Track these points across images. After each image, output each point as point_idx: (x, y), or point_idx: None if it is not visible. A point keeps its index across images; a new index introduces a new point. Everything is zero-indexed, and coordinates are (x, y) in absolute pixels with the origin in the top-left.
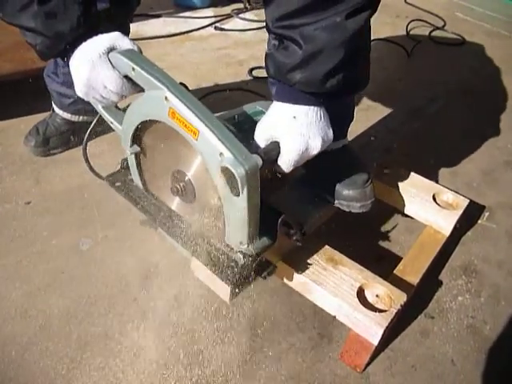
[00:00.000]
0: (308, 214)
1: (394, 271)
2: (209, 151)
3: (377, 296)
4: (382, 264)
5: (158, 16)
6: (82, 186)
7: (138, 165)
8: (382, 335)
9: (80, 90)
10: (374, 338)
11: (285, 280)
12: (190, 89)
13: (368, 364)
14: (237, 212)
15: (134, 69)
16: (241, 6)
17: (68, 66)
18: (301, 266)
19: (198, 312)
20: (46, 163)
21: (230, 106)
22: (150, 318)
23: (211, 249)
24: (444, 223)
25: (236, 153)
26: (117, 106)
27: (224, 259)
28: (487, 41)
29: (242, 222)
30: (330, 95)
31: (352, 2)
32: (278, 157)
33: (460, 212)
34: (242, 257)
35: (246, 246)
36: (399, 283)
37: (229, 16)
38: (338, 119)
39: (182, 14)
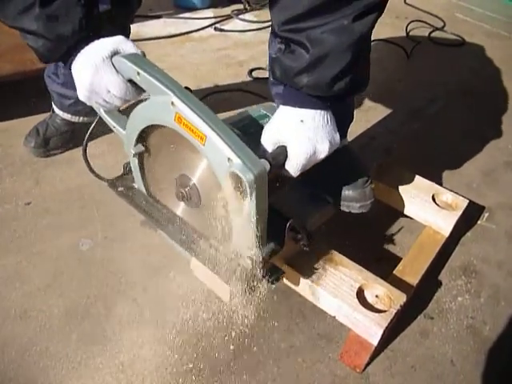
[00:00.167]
0: (308, 215)
1: (394, 272)
2: (216, 157)
3: (376, 296)
4: (382, 264)
5: (158, 17)
6: (81, 187)
7: (142, 169)
8: (382, 335)
9: (83, 95)
10: (374, 339)
11: (285, 280)
12: None
13: (368, 364)
14: (244, 217)
15: (138, 73)
16: (241, 6)
17: (70, 69)
18: (301, 267)
19: (197, 312)
20: (45, 164)
21: (230, 106)
22: (150, 319)
23: (218, 254)
24: (443, 224)
25: (244, 158)
26: (119, 110)
27: (231, 265)
28: (487, 41)
29: (249, 227)
30: (335, 98)
31: (359, 5)
32: (285, 161)
33: (459, 213)
34: (249, 262)
35: (253, 251)
36: (399, 284)
37: (229, 17)
38: (338, 119)
39: (181, 15)
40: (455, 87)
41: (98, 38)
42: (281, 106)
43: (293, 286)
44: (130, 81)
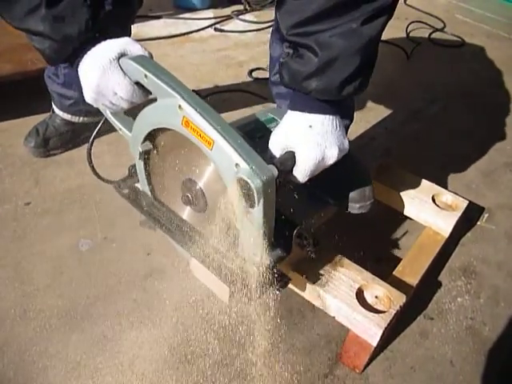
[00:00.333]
0: (307, 215)
1: (394, 272)
2: (224, 162)
3: (376, 297)
4: (382, 265)
5: (158, 17)
6: (81, 187)
7: (147, 172)
8: (381, 336)
9: (89, 97)
10: (373, 339)
11: None
12: None
13: (367, 365)
14: (252, 223)
15: (146, 76)
16: (241, 7)
17: (76, 71)
18: (300, 267)
19: (197, 312)
20: (45, 164)
21: (230, 107)
22: (150, 319)
23: (224, 260)
24: (443, 224)
25: (252, 164)
26: (125, 112)
27: (237, 271)
28: (487, 42)
29: (256, 234)
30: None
31: (368, 8)
32: (293, 167)
33: (459, 213)
34: (256, 269)
35: (259, 257)
36: (398, 284)
37: (229, 17)
38: None
39: (181, 16)
40: (455, 88)
41: (105, 39)
42: (289, 111)
43: (292, 287)
44: (137, 83)
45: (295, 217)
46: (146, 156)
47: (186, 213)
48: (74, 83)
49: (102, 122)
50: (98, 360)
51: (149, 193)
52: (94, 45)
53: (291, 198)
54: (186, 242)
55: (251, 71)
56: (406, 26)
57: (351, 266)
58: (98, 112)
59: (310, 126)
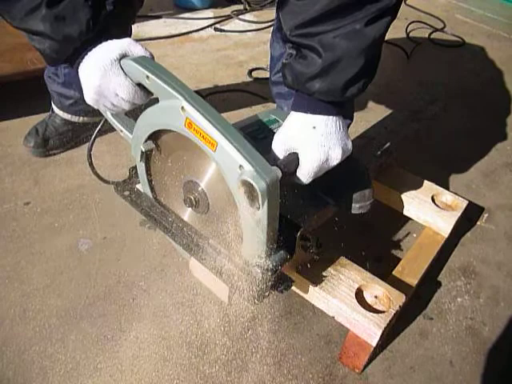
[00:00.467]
0: (307, 215)
1: (393, 272)
2: (228, 163)
3: (375, 297)
4: (381, 265)
5: (158, 17)
6: (81, 187)
7: (148, 174)
8: (381, 336)
9: (90, 98)
10: (373, 339)
11: None
12: None
13: (366, 365)
14: (255, 225)
15: (148, 77)
16: (240, 7)
17: (77, 72)
18: (300, 267)
19: (197, 312)
20: (45, 164)
21: (230, 107)
22: (149, 319)
23: (227, 262)
24: (443, 224)
25: (256, 165)
26: (126, 114)
27: (240, 273)
28: (487, 42)
29: (260, 236)
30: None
31: (371, 9)
32: (296, 168)
33: (459, 213)
34: (259, 271)
35: (263, 259)
36: (398, 284)
37: (229, 17)
38: None
39: (181, 15)
40: (455, 88)
41: (106, 39)
42: (292, 112)
43: (292, 287)
44: (139, 84)
45: (297, 217)
46: (147, 158)
47: (187, 214)
48: (74, 83)
49: (102, 122)
50: (98, 360)
51: (150, 194)
52: (94, 45)
53: (291, 198)
54: (187, 243)
55: (251, 71)
56: (405, 25)
57: (351, 266)
58: (97, 112)
59: (314, 127)
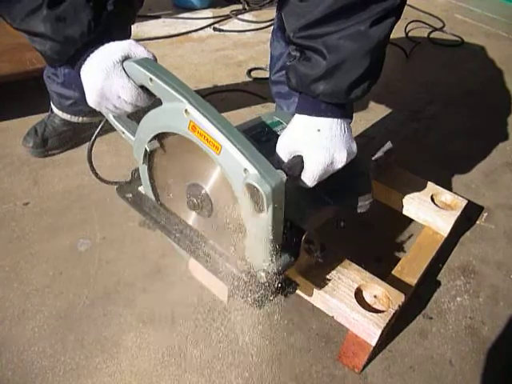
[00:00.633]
0: (307, 215)
1: (393, 272)
2: (232, 167)
3: (375, 296)
4: (381, 264)
5: (157, 17)
6: (80, 187)
7: (151, 176)
8: (380, 336)
9: (92, 100)
10: (372, 339)
11: None
12: None
13: (366, 364)
14: (260, 229)
15: (151, 79)
16: (240, 7)
17: (79, 74)
18: (299, 267)
19: (196, 312)
20: (44, 164)
21: (229, 107)
22: (148, 319)
23: (231, 266)
24: (442, 224)
25: (261, 169)
26: (128, 116)
27: (245, 278)
28: (486, 42)
29: (265, 239)
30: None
31: (375, 10)
32: (301, 171)
33: (458, 213)
34: (263, 275)
35: (268, 263)
36: (397, 284)
37: (228, 17)
38: None
39: (180, 15)
40: (454, 87)
41: (107, 41)
42: (296, 115)
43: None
44: (142, 86)
45: (299, 220)
46: (150, 160)
47: (190, 217)
48: (74, 83)
49: (102, 123)
50: (97, 360)
51: (152, 197)
52: (96, 47)
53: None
54: (192, 247)
55: (250, 71)
56: (405, 25)
57: (350, 266)
58: (97, 112)
59: (319, 130)
